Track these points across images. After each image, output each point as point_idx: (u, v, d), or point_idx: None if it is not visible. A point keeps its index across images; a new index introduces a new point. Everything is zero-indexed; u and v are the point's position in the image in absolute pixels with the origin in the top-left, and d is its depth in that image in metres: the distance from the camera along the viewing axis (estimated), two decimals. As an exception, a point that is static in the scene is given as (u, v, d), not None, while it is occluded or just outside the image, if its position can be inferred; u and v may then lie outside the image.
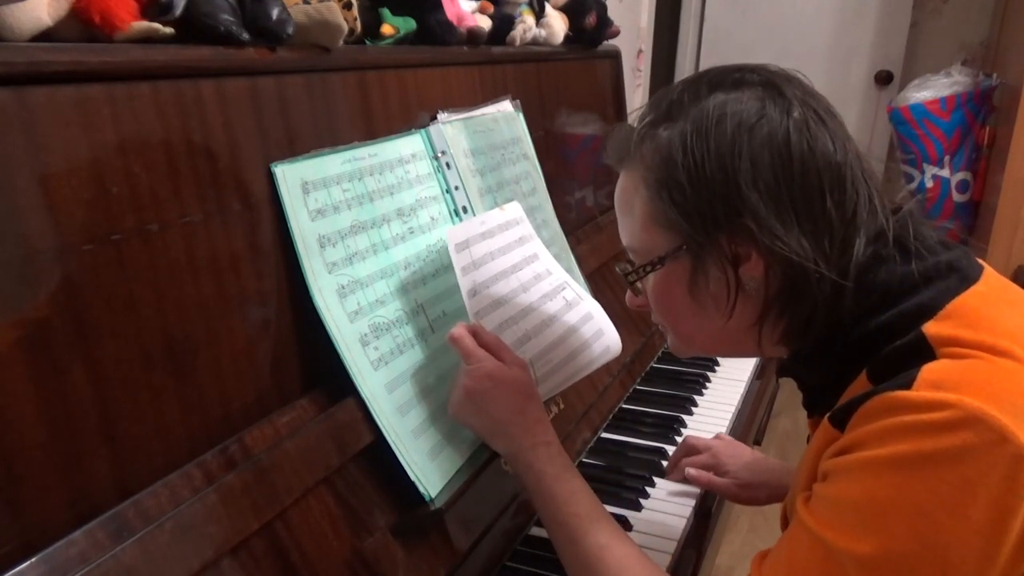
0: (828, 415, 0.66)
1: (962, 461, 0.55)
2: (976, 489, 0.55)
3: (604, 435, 1.21)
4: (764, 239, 0.64)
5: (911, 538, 0.56)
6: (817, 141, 0.65)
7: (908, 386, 0.59)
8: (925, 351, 0.61)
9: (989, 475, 0.55)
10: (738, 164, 0.64)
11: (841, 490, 0.61)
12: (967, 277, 0.66)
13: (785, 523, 0.79)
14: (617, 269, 0.77)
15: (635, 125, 0.72)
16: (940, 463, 0.56)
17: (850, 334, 0.66)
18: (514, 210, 1.01)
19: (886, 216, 0.68)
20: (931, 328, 0.62)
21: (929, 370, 0.59)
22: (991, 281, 0.67)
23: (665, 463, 1.14)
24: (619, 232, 0.77)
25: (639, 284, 0.76)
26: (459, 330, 0.86)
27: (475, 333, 0.87)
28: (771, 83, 0.67)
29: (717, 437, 1.14)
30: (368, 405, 0.81)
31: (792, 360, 0.74)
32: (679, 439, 1.21)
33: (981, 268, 0.68)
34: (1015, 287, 0.70)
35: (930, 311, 0.63)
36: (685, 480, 1.08)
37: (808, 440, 0.74)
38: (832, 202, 0.65)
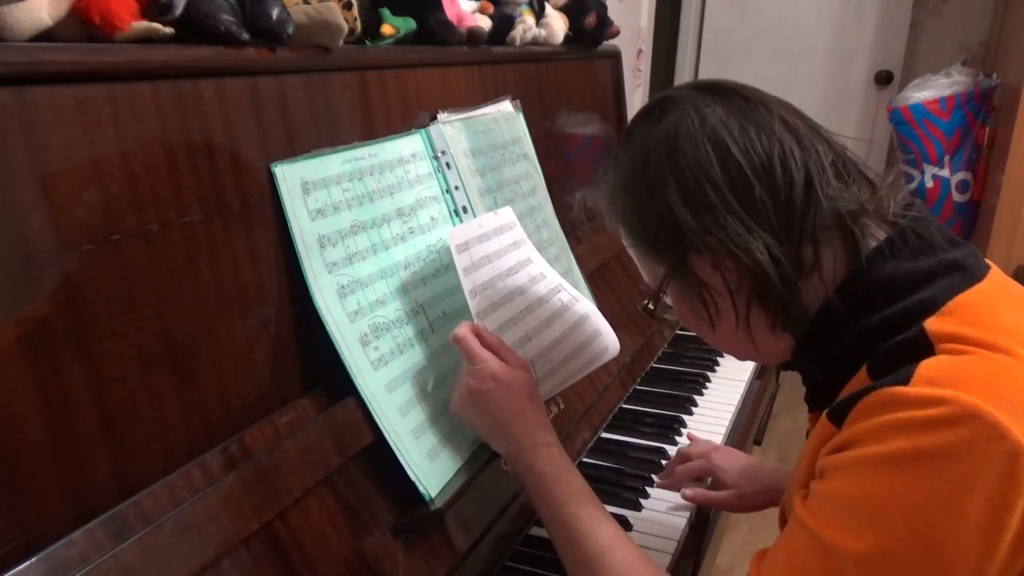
0: (827, 411, 0.66)
1: (958, 458, 0.55)
2: (973, 486, 0.55)
3: (604, 435, 1.21)
4: (710, 247, 0.67)
5: (908, 535, 0.56)
6: (734, 139, 0.67)
7: (905, 382, 0.59)
8: (925, 347, 0.61)
9: (986, 472, 0.55)
10: (666, 191, 0.69)
11: (838, 488, 0.61)
12: (972, 275, 0.66)
13: (783, 522, 0.79)
14: (639, 308, 0.82)
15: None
16: (936, 460, 0.56)
17: (853, 328, 0.66)
18: (507, 215, 1.02)
19: (868, 180, 0.70)
20: (932, 324, 0.62)
21: (926, 366, 0.59)
22: (996, 280, 0.67)
23: (665, 463, 1.14)
24: None
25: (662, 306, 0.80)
26: (463, 330, 0.86)
27: (478, 334, 0.87)
28: (685, 100, 0.71)
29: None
30: (368, 405, 0.81)
31: (796, 352, 0.74)
32: (679, 439, 1.22)
33: (987, 267, 0.68)
34: (1020, 286, 0.70)
35: (932, 307, 0.63)
36: (677, 488, 1.07)
37: (807, 436, 0.74)
38: (763, 189, 0.66)
